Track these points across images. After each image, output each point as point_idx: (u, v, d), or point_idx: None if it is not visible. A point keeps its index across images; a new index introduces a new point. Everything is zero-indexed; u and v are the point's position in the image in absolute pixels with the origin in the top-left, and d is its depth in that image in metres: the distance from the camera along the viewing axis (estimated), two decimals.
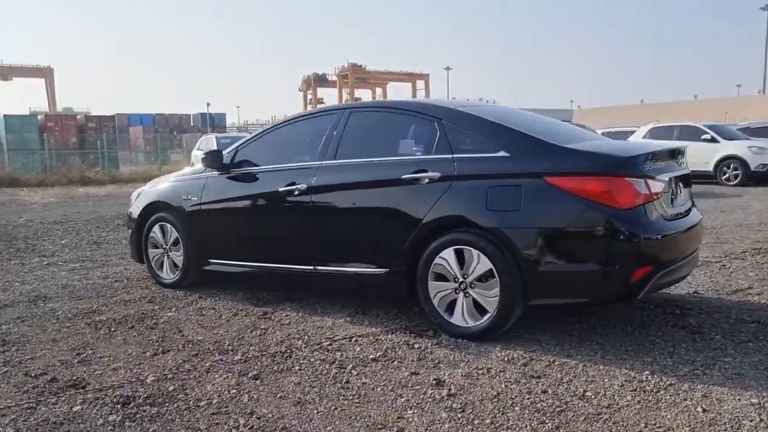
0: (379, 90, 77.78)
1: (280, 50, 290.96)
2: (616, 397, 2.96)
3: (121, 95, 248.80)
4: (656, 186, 3.61)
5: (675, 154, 4.05)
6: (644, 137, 16.12)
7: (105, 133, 38.82)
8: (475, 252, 3.72)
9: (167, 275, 5.40)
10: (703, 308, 4.38)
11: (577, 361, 3.41)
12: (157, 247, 5.45)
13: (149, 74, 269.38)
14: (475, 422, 2.73)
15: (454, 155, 3.93)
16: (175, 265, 5.32)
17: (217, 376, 3.35)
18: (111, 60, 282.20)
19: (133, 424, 2.79)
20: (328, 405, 2.95)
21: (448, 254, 3.81)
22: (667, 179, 3.74)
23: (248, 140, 5.10)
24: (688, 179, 4.20)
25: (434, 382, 3.17)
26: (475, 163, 3.85)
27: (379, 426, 2.72)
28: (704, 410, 2.78)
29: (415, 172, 3.97)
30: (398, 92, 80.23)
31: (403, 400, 2.99)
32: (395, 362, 3.49)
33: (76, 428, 2.76)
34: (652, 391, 3.01)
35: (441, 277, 3.87)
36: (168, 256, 5.36)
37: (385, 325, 4.16)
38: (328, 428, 2.72)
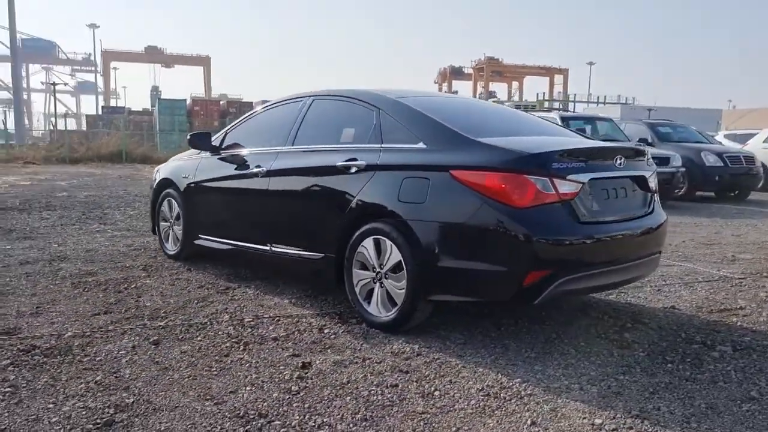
0: (515, 84, 76.04)
1: (415, 41, 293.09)
2: (460, 400, 2.84)
3: (271, 83, 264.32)
4: (566, 186, 3.37)
5: (611, 153, 3.73)
6: (765, 140, 14.56)
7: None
8: (388, 242, 3.70)
9: (171, 247, 5.85)
10: (660, 324, 4.01)
11: (463, 362, 3.29)
12: (165, 221, 5.91)
13: (297, 64, 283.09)
14: (295, 404, 2.77)
15: (382, 145, 3.92)
16: (177, 238, 5.75)
17: (126, 338, 3.64)
18: (266, 49, 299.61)
19: (15, 369, 3.13)
20: (186, 374, 3.11)
21: (368, 243, 3.81)
22: (586, 180, 3.46)
23: (236, 124, 5.38)
24: (644, 181, 3.87)
25: (301, 364, 3.23)
26: (396, 154, 3.82)
27: (208, 397, 2.84)
28: (533, 423, 2.62)
29: (347, 161, 4.01)
30: (535, 87, 77.87)
31: (254, 376, 3.08)
32: (289, 343, 3.58)
33: None
34: (503, 398, 2.86)
35: (363, 266, 3.89)
36: (173, 229, 5.80)
37: (322, 309, 4.23)
38: (161, 394, 2.88)
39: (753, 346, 3.61)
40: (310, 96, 4.72)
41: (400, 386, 2.98)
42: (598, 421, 2.64)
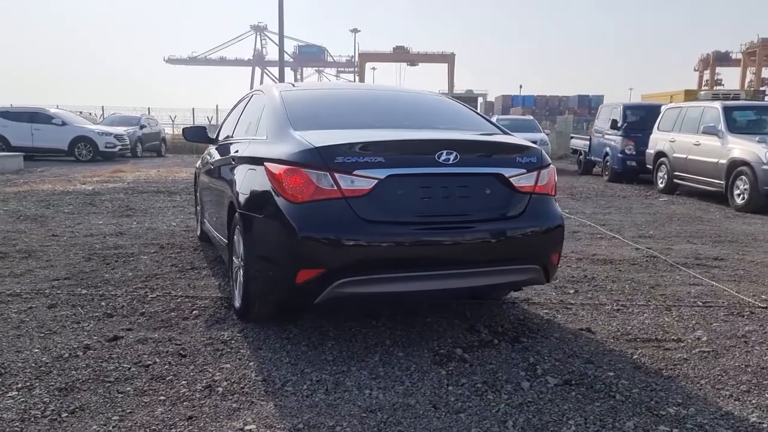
0: None
1: (675, 28, 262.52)
2: (196, 394, 2.89)
3: (512, 78, 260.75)
4: (353, 182, 3.13)
5: (430, 148, 3.30)
6: None
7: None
8: (237, 233, 3.82)
9: (198, 229, 6.56)
10: (551, 344, 3.50)
11: (280, 356, 3.28)
12: (197, 206, 6.64)
13: (542, 56, 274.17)
14: (71, 363, 3.11)
15: (253, 137, 4.04)
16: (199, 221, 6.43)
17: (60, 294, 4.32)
18: (513, 43, 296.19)
19: None
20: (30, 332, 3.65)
21: (236, 233, 3.96)
22: (383, 176, 3.17)
23: (226, 116, 5.82)
24: (503, 180, 3.39)
25: (113, 335, 3.54)
26: (250, 146, 3.91)
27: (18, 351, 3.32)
28: (190, 419, 2.61)
29: (234, 152, 4.20)
30: None
31: (78, 341, 3.47)
32: (157, 321, 3.91)
33: None
34: (228, 395, 2.86)
35: (237, 254, 4.06)
36: (199, 213, 6.49)
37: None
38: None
39: None
40: (254, 91, 4.95)
41: (184, 373, 3.13)
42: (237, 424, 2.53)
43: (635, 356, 3.38)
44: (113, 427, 2.51)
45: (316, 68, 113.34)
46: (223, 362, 3.20)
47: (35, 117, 19.15)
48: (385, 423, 2.57)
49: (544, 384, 2.98)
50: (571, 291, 4.69)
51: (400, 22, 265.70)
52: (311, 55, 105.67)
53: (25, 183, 12.08)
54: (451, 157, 3.27)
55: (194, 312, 4.03)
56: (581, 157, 16.54)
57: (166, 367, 3.13)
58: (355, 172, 3.13)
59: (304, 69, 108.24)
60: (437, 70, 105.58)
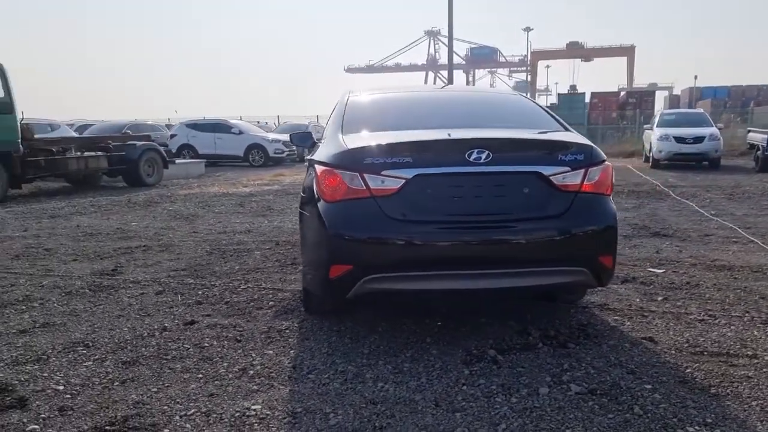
0: None
1: None
2: (230, 375, 3.25)
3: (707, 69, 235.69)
4: (381, 182, 3.23)
5: (460, 147, 3.27)
6: None
7: (643, 108, 39.42)
8: None
9: None
10: (599, 351, 3.35)
11: (321, 346, 3.54)
12: None
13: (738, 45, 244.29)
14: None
15: (320, 141, 4.30)
16: None
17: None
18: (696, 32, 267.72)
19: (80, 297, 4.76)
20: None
21: None
22: (410, 176, 3.22)
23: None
24: (543, 178, 3.29)
25: (191, 320, 4.01)
26: (315, 149, 4.16)
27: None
28: (211, 395, 2.91)
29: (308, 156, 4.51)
30: None
31: (161, 323, 4.01)
32: (235, 309, 4.35)
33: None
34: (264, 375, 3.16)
35: None
36: None
37: None
38: None
39: None
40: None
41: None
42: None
43: (689, 370, 3.09)
44: (148, 397, 2.88)
45: (489, 69, 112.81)
46: (269, 349, 3.49)
47: (217, 127, 21.38)
48: (378, 414, 2.66)
49: (564, 391, 2.86)
50: (660, 298, 4.34)
51: (574, 17, 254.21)
52: (483, 57, 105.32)
53: (198, 186, 13.61)
54: (483, 156, 3.24)
55: (271, 303, 4.39)
56: (759, 153, 14.78)
57: (218, 349, 3.48)
58: (383, 173, 3.23)
59: (476, 71, 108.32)
60: (615, 64, 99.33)
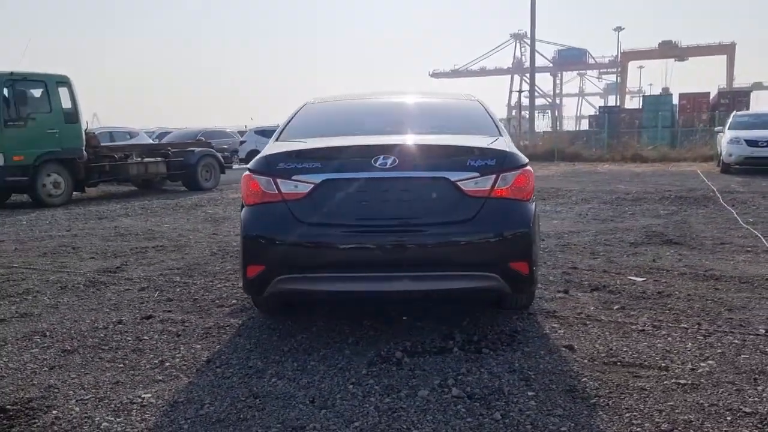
0: None
1: None
2: (148, 366, 3.50)
3: None
4: (291, 186, 3.37)
5: (367, 153, 3.34)
6: None
7: (738, 110, 37.18)
8: None
9: None
10: (509, 357, 3.35)
11: (248, 342, 3.76)
12: None
13: None
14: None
15: None
16: None
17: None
18: None
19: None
20: None
21: None
22: (318, 180, 3.34)
23: None
24: (449, 183, 3.32)
25: (149, 315, 4.30)
26: None
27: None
28: (116, 383, 3.16)
29: None
30: None
31: (121, 317, 4.33)
32: (197, 306, 4.63)
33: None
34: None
35: None
36: None
37: None
38: None
39: None
40: None
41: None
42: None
43: (585, 379, 3.03)
44: (62, 382, 3.15)
45: (577, 71, 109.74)
46: (199, 343, 3.70)
47: None
48: (250, 407, 2.80)
49: (442, 394, 2.88)
50: (616, 307, 4.22)
51: (667, 15, 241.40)
52: (571, 59, 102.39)
53: None
54: (388, 161, 3.32)
55: (233, 301, 4.61)
56: None
57: (154, 342, 3.73)
58: (294, 177, 3.38)
59: (564, 73, 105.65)
60: (713, 63, 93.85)
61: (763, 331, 3.65)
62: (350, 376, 3.14)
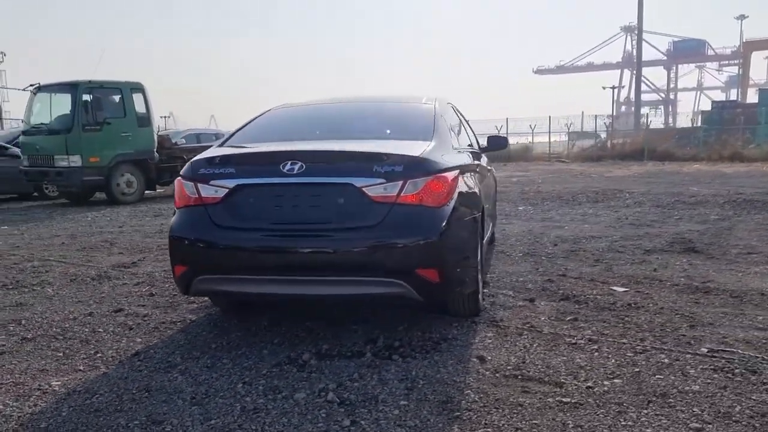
0: None
1: None
2: (82, 356, 3.79)
3: None
4: (209, 191, 3.50)
5: (276, 159, 3.39)
6: None
7: None
8: None
9: None
10: (414, 365, 3.34)
11: (175, 338, 3.99)
12: None
13: None
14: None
15: None
16: None
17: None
18: None
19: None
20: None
21: None
22: (232, 185, 3.45)
23: None
24: (355, 189, 3.34)
25: (119, 308, 4.61)
26: None
27: None
28: (42, 371, 3.44)
29: None
30: None
31: (95, 309, 4.68)
32: (171, 301, 4.91)
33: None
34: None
35: None
36: None
37: None
38: None
39: None
40: None
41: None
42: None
43: (468, 391, 2.94)
44: (8, 363, 3.48)
45: (695, 64, 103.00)
46: (142, 337, 3.93)
47: None
48: (132, 400, 2.95)
49: (316, 398, 2.91)
50: (568, 318, 4.03)
51: None
52: (688, 50, 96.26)
53: None
54: (296, 167, 3.38)
55: (205, 300, 4.82)
56: None
57: (105, 335, 4.00)
58: (212, 182, 3.52)
59: (680, 66, 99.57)
60: None
61: (705, 351, 3.37)
62: (248, 375, 3.23)
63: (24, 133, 12.92)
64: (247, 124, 4.42)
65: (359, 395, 2.93)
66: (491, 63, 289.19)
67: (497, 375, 3.14)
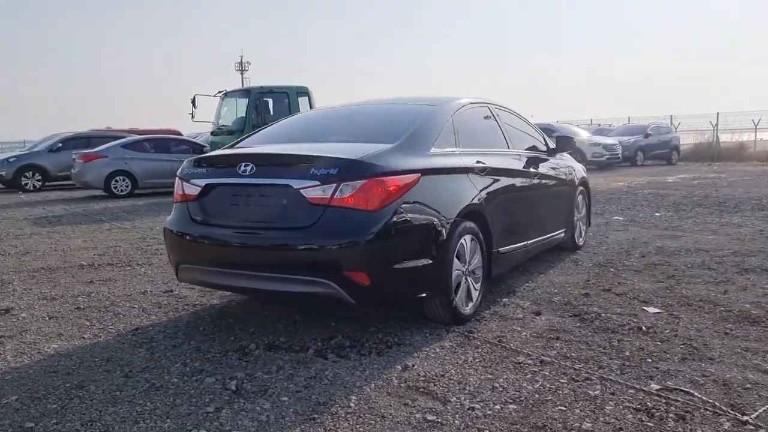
0: None
1: None
2: (53, 346, 4.44)
3: None
4: (189, 189, 3.87)
5: (233, 161, 3.63)
6: None
7: None
8: None
9: None
10: (344, 366, 3.44)
11: (163, 327, 4.50)
12: None
13: None
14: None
15: None
16: None
17: None
18: None
19: None
20: None
21: None
22: (202, 184, 3.77)
23: None
24: (293, 191, 3.49)
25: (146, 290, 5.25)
26: None
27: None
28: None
29: None
30: None
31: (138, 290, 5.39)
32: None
33: None
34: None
35: None
36: None
37: None
38: None
39: None
40: None
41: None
42: None
43: (353, 397, 2.92)
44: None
45: None
46: (122, 323, 4.37)
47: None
48: (64, 389, 3.10)
49: (218, 385, 3.10)
50: (552, 337, 3.71)
51: None
52: None
53: None
54: (248, 169, 3.62)
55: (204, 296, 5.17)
56: None
57: (70, 326, 4.44)
58: (191, 181, 3.91)
59: None
60: None
61: (656, 388, 2.92)
62: (192, 357, 3.52)
63: (212, 133, 14.79)
64: (265, 127, 4.76)
65: (257, 387, 3.07)
66: None
67: (401, 385, 3.06)
